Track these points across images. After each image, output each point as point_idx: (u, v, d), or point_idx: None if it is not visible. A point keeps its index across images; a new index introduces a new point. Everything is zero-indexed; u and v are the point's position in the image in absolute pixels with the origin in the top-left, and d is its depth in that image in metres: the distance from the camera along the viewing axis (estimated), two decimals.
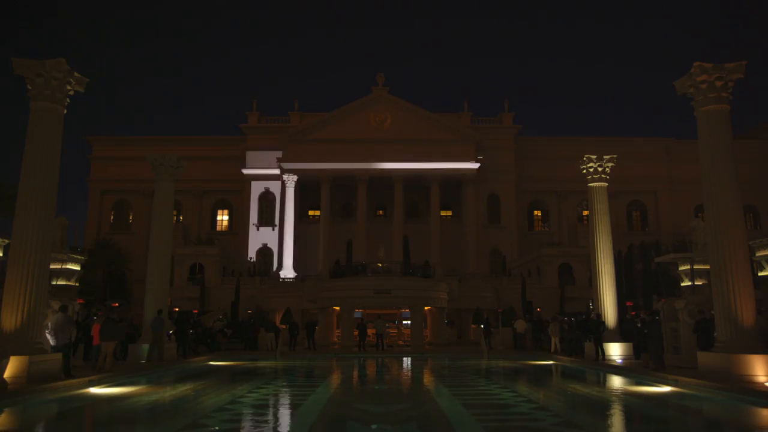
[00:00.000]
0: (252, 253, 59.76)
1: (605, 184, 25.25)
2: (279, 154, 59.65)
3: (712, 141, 16.65)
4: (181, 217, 61.73)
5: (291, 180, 58.51)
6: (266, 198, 61.80)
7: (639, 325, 21.21)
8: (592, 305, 26.48)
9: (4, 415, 11.52)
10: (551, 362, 25.22)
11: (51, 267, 17.84)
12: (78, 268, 23.69)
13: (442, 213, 60.24)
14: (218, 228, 64.41)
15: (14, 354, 13.73)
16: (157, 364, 21.31)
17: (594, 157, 25.06)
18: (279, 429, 10.40)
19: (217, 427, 10.49)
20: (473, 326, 41.18)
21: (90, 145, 64.39)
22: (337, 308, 38.71)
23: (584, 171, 25.38)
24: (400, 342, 39.33)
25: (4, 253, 18.48)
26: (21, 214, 15.42)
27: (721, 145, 16.51)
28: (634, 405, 13.96)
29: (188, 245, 52.33)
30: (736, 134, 18.47)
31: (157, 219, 24.95)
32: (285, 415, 11.87)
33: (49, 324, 16.28)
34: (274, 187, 60.97)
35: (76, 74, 16.55)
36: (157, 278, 24.18)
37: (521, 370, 22.66)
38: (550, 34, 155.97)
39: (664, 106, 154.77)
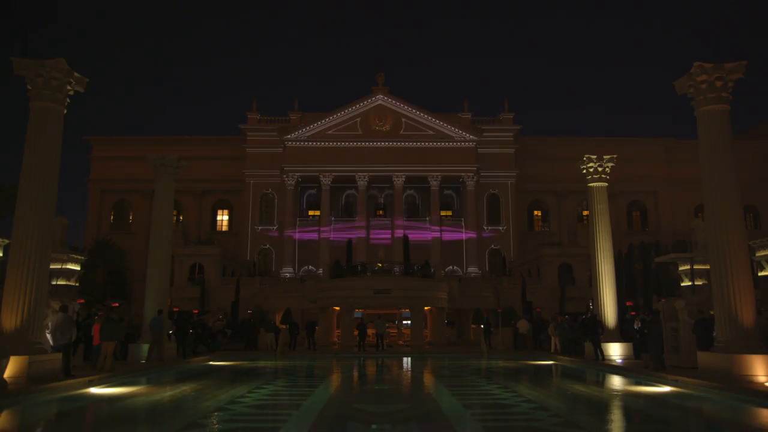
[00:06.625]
0: (252, 253, 59.77)
1: (605, 184, 25.25)
2: (279, 154, 59.74)
3: (712, 141, 16.63)
4: (181, 217, 61.72)
5: (291, 180, 58.59)
6: (266, 198, 61.79)
7: (639, 325, 21.20)
8: (592, 305, 26.46)
9: (4, 415, 11.51)
10: (551, 362, 25.22)
11: (51, 267, 17.83)
12: (78, 268, 23.63)
13: (442, 213, 60.27)
14: (218, 228, 64.39)
15: (14, 354, 13.72)
16: (157, 364, 21.31)
17: (594, 157, 25.05)
18: (279, 429, 10.40)
19: (217, 427, 10.49)
20: (473, 326, 41.15)
21: (90, 145, 64.40)
22: (337, 308, 38.68)
23: (584, 171, 25.38)
24: (400, 342, 39.30)
25: (4, 253, 18.45)
26: (21, 214, 15.41)
27: (721, 145, 16.49)
28: (634, 405, 13.96)
29: (188, 245, 52.24)
30: (736, 134, 18.46)
31: (157, 219, 24.96)
32: (285, 415, 11.87)
33: (49, 324, 16.28)
34: (274, 187, 60.98)
35: (76, 74, 16.55)
36: (157, 278, 24.19)
37: (521, 370, 22.65)
38: (551, 34, 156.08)
39: (664, 106, 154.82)
